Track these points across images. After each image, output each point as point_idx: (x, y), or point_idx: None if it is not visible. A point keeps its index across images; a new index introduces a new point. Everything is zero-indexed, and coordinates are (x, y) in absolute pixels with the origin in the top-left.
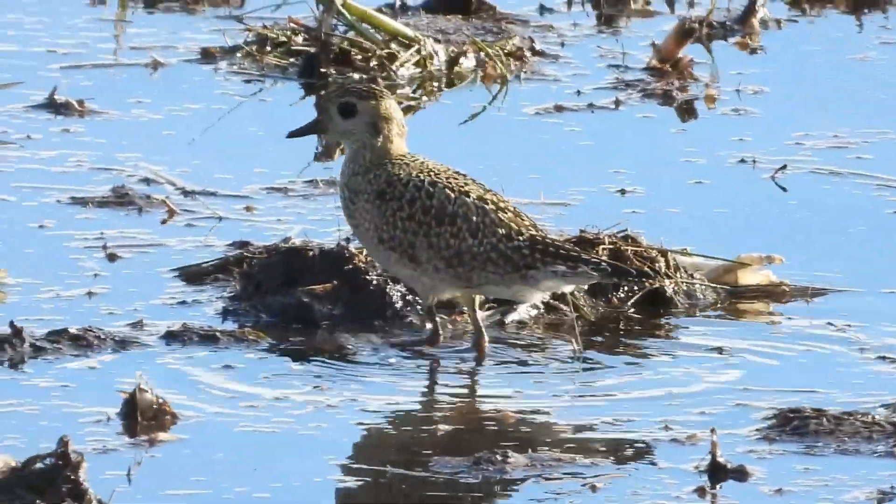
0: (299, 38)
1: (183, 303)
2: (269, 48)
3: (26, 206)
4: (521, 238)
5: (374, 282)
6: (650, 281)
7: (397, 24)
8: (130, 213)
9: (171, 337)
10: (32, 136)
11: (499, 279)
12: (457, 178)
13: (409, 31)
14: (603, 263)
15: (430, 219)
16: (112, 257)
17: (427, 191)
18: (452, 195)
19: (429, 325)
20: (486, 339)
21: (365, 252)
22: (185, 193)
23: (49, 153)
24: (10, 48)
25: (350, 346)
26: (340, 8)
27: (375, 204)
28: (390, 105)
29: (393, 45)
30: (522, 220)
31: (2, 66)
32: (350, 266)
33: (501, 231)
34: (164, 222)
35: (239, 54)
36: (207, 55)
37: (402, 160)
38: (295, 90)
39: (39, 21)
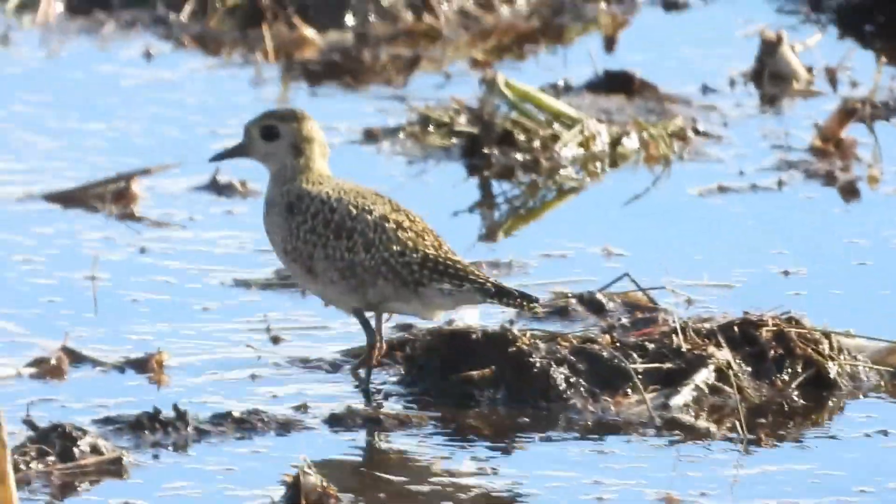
0: (462, 119)
1: (346, 385)
2: (431, 128)
3: (189, 288)
4: (414, 255)
5: (538, 364)
6: (533, 305)
7: (560, 104)
8: (293, 295)
9: (334, 420)
10: (195, 217)
11: (391, 294)
12: (366, 198)
13: (572, 112)
14: (488, 284)
15: (329, 232)
16: (275, 340)
17: (331, 205)
18: (354, 211)
19: (365, 331)
20: (383, 347)
21: (528, 334)
22: None
23: (211, 234)
24: (173, 129)
25: (512, 428)
26: (503, 88)
27: (284, 216)
28: (312, 127)
29: (556, 126)
30: (424, 240)
31: (165, 146)
32: (513, 348)
33: (395, 248)
34: (326, 304)
35: (402, 134)
36: (370, 135)
37: (318, 179)
38: (458, 171)
39: (202, 101)
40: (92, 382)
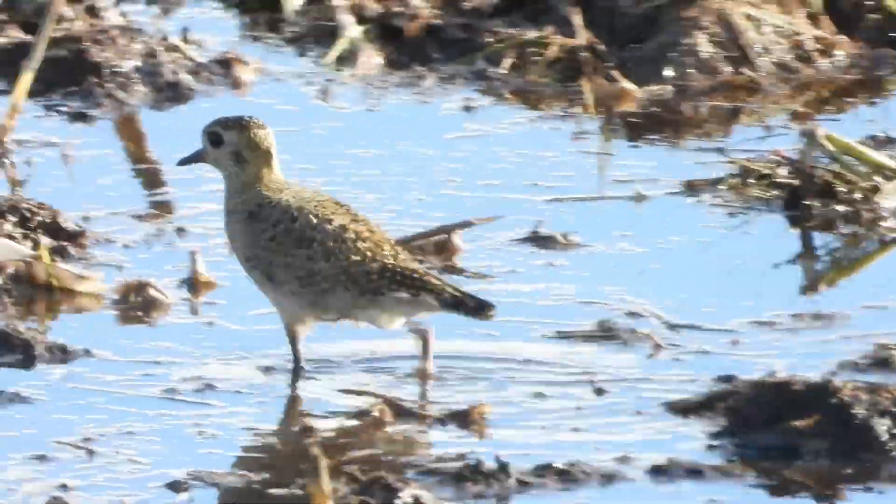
0: (782, 171)
1: (669, 437)
2: (752, 180)
3: (510, 341)
4: (372, 264)
5: (860, 416)
6: (489, 313)
7: (880, 157)
8: (616, 346)
9: (656, 471)
10: (516, 269)
11: (349, 302)
12: (325, 207)
13: (893, 164)
14: (446, 293)
15: (290, 240)
16: (599, 391)
17: (291, 215)
18: (314, 220)
19: (293, 354)
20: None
21: (851, 386)
22: (671, 327)
23: (533, 287)
24: (494, 182)
25: (836, 480)
26: (823, 141)
27: (245, 223)
28: (256, 135)
29: (876, 178)
30: (382, 249)
31: (486, 199)
32: (835, 400)
33: (355, 257)
34: (649, 356)
35: (722, 186)
36: (691, 187)
37: (276, 185)
38: (778, 222)
39: (522, 154)
40: (414, 434)
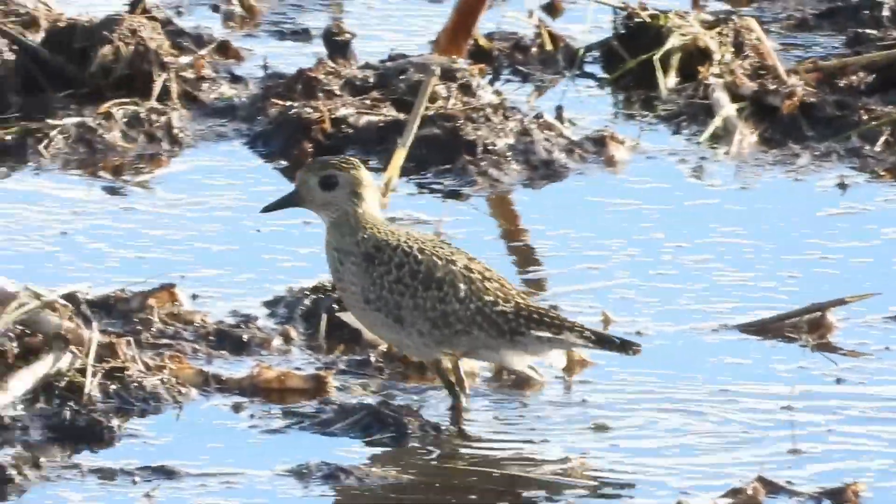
0: None
1: None
2: None
3: None
4: (506, 305)
5: None
6: (634, 349)
7: None
8: None
9: None
10: (890, 347)
11: (485, 343)
12: (442, 248)
13: None
14: (587, 331)
15: (418, 283)
16: None
17: (415, 256)
18: (440, 262)
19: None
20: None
21: None
22: None
23: None
24: (868, 259)
25: None
26: None
27: (363, 266)
28: (365, 174)
29: None
30: (508, 288)
31: (859, 276)
32: None
33: (488, 298)
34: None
35: None
36: None
37: (384, 226)
38: None
39: None
40: None
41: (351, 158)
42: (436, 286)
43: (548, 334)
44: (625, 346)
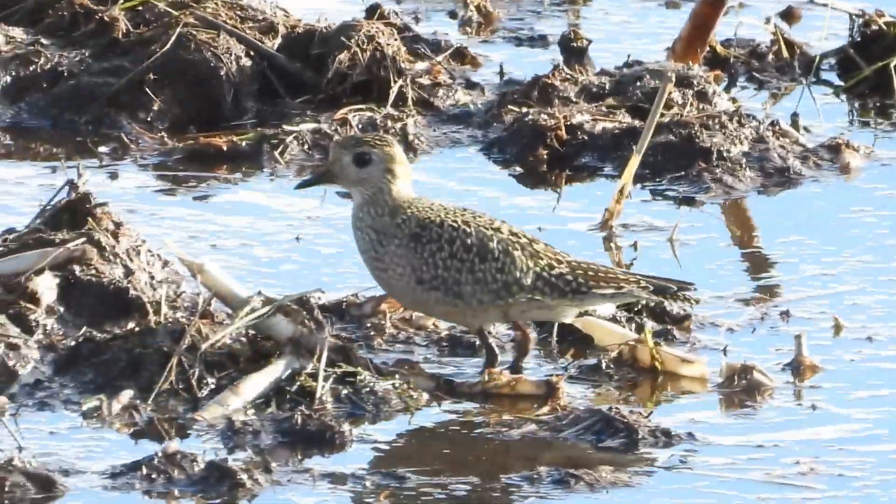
0: None
1: None
2: None
3: None
4: (561, 266)
5: None
6: (691, 291)
7: None
8: None
9: None
10: None
11: (545, 305)
12: (482, 217)
13: None
14: (643, 281)
15: (473, 256)
16: None
17: (464, 230)
18: (489, 232)
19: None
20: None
21: None
22: None
23: None
24: None
25: None
26: None
27: (410, 248)
28: (399, 151)
29: None
30: (554, 249)
31: None
32: None
33: (543, 262)
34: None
35: None
36: None
37: (419, 203)
38: None
39: None
40: None
41: (385, 136)
42: (492, 257)
43: (609, 290)
44: (685, 288)
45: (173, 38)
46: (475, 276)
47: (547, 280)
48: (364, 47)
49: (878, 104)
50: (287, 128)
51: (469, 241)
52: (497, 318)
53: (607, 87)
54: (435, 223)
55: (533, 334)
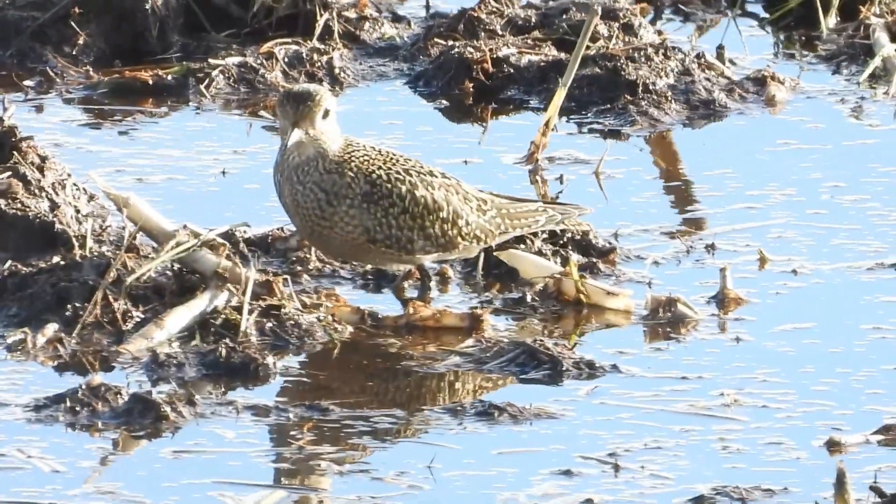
0: None
1: None
2: None
3: None
4: (486, 206)
5: None
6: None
7: None
8: None
9: None
10: None
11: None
12: (410, 160)
13: None
14: (549, 210)
15: (423, 209)
16: None
17: (411, 182)
18: (431, 180)
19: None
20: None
21: None
22: None
23: None
24: None
25: None
26: None
27: (363, 208)
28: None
29: None
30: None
31: None
32: None
33: (474, 204)
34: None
35: None
36: None
37: (355, 153)
38: None
39: None
40: None
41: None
42: (438, 208)
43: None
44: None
45: None
46: (426, 233)
47: (482, 226)
48: None
49: (803, 37)
50: (213, 61)
51: (418, 193)
52: (435, 259)
53: (534, 20)
54: (383, 179)
55: (457, 267)
